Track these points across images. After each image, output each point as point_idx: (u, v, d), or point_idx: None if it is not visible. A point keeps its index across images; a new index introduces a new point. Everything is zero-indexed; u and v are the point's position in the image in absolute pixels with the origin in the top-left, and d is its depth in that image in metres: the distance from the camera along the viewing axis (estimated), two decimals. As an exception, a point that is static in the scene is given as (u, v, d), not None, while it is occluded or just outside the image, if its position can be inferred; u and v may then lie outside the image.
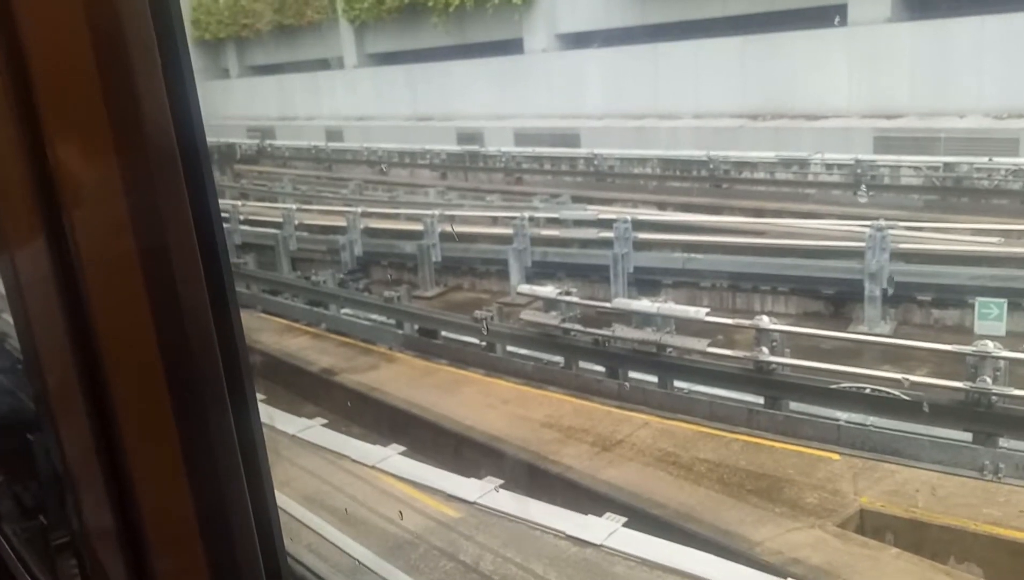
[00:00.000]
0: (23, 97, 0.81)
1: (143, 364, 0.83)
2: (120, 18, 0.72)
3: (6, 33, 0.80)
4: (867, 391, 6.72)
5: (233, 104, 29.68)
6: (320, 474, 6.78)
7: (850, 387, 6.85)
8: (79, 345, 0.88)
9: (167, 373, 0.81)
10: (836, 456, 6.39)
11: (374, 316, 10.96)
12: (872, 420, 6.69)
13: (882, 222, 9.82)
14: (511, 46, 23.10)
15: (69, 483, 1.08)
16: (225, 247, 0.81)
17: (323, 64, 28.48)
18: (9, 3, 0.79)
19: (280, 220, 14.68)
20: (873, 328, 9.32)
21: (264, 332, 10.82)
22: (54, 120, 0.81)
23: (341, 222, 14.16)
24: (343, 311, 11.40)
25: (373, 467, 6.82)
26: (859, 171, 14.26)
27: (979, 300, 8.52)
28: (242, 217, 15.41)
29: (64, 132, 0.81)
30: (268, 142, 26.45)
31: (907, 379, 6.48)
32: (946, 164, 13.43)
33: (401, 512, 5.97)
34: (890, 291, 9.41)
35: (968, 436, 6.34)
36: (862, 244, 9.63)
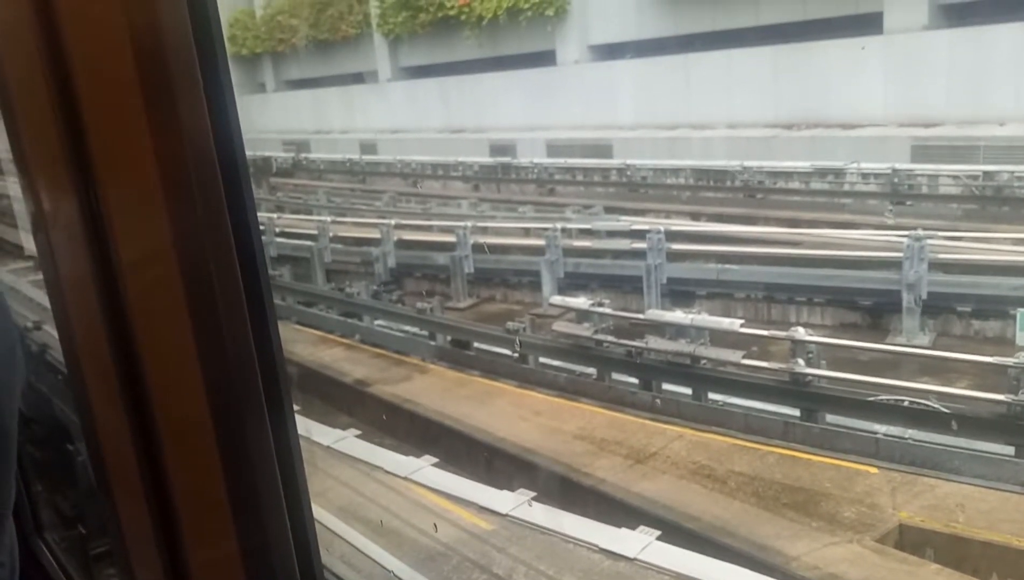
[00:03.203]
0: (68, 113, 0.83)
1: (183, 375, 0.84)
2: (162, 36, 0.74)
3: (52, 51, 0.82)
4: (905, 404, 6.60)
5: (269, 118, 30.14)
6: (353, 485, 6.82)
7: (888, 399, 6.74)
8: (121, 355, 0.90)
9: (206, 384, 0.82)
10: (874, 470, 6.28)
11: (407, 327, 11.01)
12: (911, 433, 6.56)
13: (920, 232, 9.67)
14: (544, 58, 23.18)
15: (109, 494, 1.10)
16: (264, 260, 0.82)
17: (357, 78, 28.81)
18: (55, 22, 0.81)
19: (315, 232, 14.84)
20: (911, 340, 9.16)
21: (299, 343, 10.94)
22: (98, 138, 0.83)
23: (375, 234, 14.27)
24: (376, 322, 11.48)
25: (406, 478, 6.85)
26: (896, 180, 14.06)
27: (1020, 311, 8.34)
28: (278, 229, 15.60)
29: (108, 149, 0.82)
30: (303, 155, 26.78)
31: (941, 391, 6.36)
32: (986, 173, 13.19)
33: (436, 525, 5.99)
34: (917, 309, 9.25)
35: (1010, 450, 6.20)
36: (899, 254, 9.48)
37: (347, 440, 7.80)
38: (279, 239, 15.11)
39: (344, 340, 11.29)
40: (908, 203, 13.81)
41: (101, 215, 0.85)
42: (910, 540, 5.51)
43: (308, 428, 7.69)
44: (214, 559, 0.94)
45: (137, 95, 0.76)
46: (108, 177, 0.83)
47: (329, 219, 16.07)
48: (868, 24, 16.78)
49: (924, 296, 9.27)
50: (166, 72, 0.75)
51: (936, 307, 9.47)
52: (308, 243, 14.46)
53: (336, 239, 14.93)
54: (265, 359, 0.84)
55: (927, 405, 6.51)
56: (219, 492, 0.86)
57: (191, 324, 0.81)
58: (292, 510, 0.88)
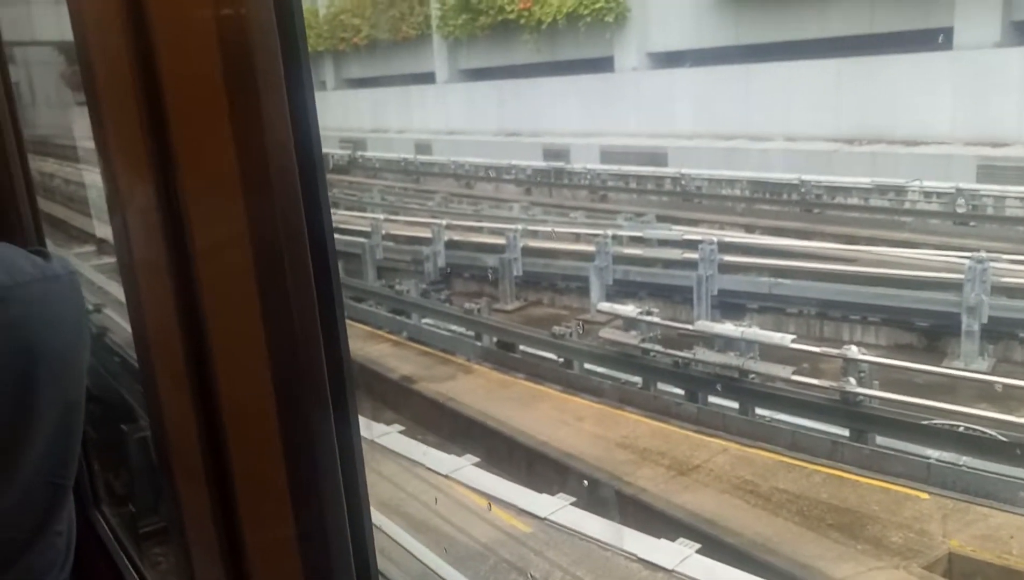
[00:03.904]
0: (152, 100, 0.85)
1: (251, 363, 0.86)
2: (248, 28, 0.76)
3: (139, 38, 0.85)
4: (961, 429, 6.42)
5: (329, 116, 30.56)
6: (395, 480, 6.88)
7: (942, 424, 6.56)
8: (190, 339, 0.91)
9: (273, 372, 0.84)
10: (924, 495, 6.12)
11: (454, 327, 11.08)
12: (965, 460, 6.38)
13: (983, 254, 9.40)
14: (601, 64, 23.10)
15: (170, 474, 1.12)
16: (335, 257, 0.83)
17: (416, 78, 29.07)
18: (143, 10, 0.84)
19: (368, 229, 15.01)
20: (969, 364, 8.90)
21: (348, 338, 11.07)
22: (180, 125, 0.85)
23: (426, 233, 14.38)
24: (424, 321, 11.57)
25: (447, 476, 6.89)
26: (960, 200, 13.70)
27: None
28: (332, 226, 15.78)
29: (189, 137, 0.84)
30: (359, 153, 27.11)
31: (999, 419, 6.17)
32: (1057, 196, 12.78)
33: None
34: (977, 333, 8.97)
35: (1072, 484, 5.99)
36: (960, 276, 9.23)
37: (391, 435, 7.88)
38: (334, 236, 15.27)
39: (392, 336, 11.40)
40: (971, 224, 13.43)
41: (178, 201, 0.87)
42: (960, 570, 5.36)
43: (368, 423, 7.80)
44: (271, 542, 0.95)
45: (220, 85, 0.78)
46: (187, 164, 0.85)
47: (382, 217, 16.25)
48: (937, 39, 16.36)
49: (985, 320, 9.00)
50: (250, 64, 0.76)
51: (997, 332, 9.19)
52: (361, 240, 14.62)
53: (388, 237, 15.08)
54: (332, 353, 0.85)
55: (983, 432, 6.32)
56: (279, 478, 0.87)
57: (261, 314, 0.82)
58: (352, 510, 0.89)
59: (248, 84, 0.77)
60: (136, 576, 2.06)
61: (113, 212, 1.06)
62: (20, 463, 1.03)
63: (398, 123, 29.00)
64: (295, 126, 0.78)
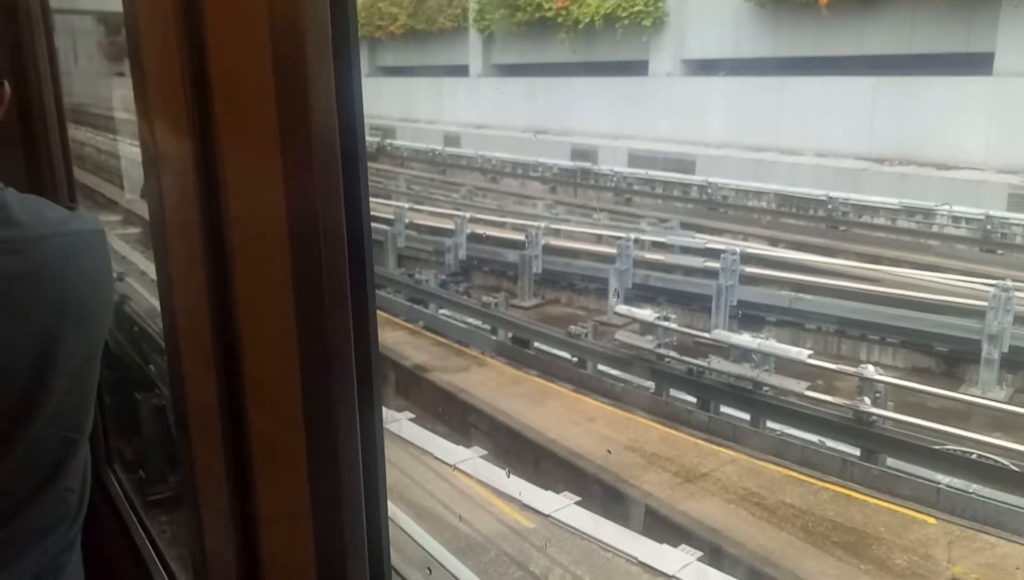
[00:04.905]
0: (196, 65, 0.87)
1: (279, 333, 0.87)
2: (301, 5, 0.77)
3: (191, 26, 0.87)
4: (973, 456, 6.37)
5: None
6: (402, 467, 6.92)
7: (955, 450, 6.51)
8: (218, 303, 0.93)
9: (301, 349, 0.84)
10: (932, 520, 6.08)
11: (470, 320, 11.12)
12: (975, 487, 6.33)
13: (1008, 282, 9.30)
14: (636, 67, 23.03)
15: (188, 441, 1.12)
16: (370, 240, 0.83)
17: (449, 70, 29.12)
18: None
19: (392, 217, 15.06)
20: (987, 392, 8.81)
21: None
22: (225, 107, 0.87)
23: (448, 225, 14.42)
24: (441, 311, 11.61)
25: (454, 467, 6.92)
26: (988, 227, 13.55)
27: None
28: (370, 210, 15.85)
29: (232, 104, 0.86)
30: (388, 141, 27.19)
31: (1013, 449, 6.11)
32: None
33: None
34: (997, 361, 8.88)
35: (1083, 519, 5.92)
36: (983, 303, 9.14)
37: (401, 422, 7.92)
38: (357, 220, 15.33)
39: (408, 325, 11.45)
40: (999, 252, 13.28)
41: (216, 168, 0.88)
42: (962, 597, 5.33)
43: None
44: (284, 515, 0.96)
45: (267, 59, 0.79)
46: (228, 133, 0.86)
47: (407, 206, 16.28)
48: (977, 64, 16.19)
49: (1005, 349, 8.91)
50: (300, 43, 0.77)
51: (1017, 362, 9.09)
52: (384, 227, 14.66)
53: (411, 226, 15.12)
54: (361, 333, 0.86)
55: (996, 461, 6.26)
56: (298, 453, 0.88)
57: (293, 286, 0.83)
58: (368, 481, 0.90)
59: (297, 59, 0.78)
60: (145, 537, 2.10)
61: (149, 176, 1.07)
62: (35, 413, 1.04)
63: (428, 113, 29.05)
64: (340, 106, 0.79)
